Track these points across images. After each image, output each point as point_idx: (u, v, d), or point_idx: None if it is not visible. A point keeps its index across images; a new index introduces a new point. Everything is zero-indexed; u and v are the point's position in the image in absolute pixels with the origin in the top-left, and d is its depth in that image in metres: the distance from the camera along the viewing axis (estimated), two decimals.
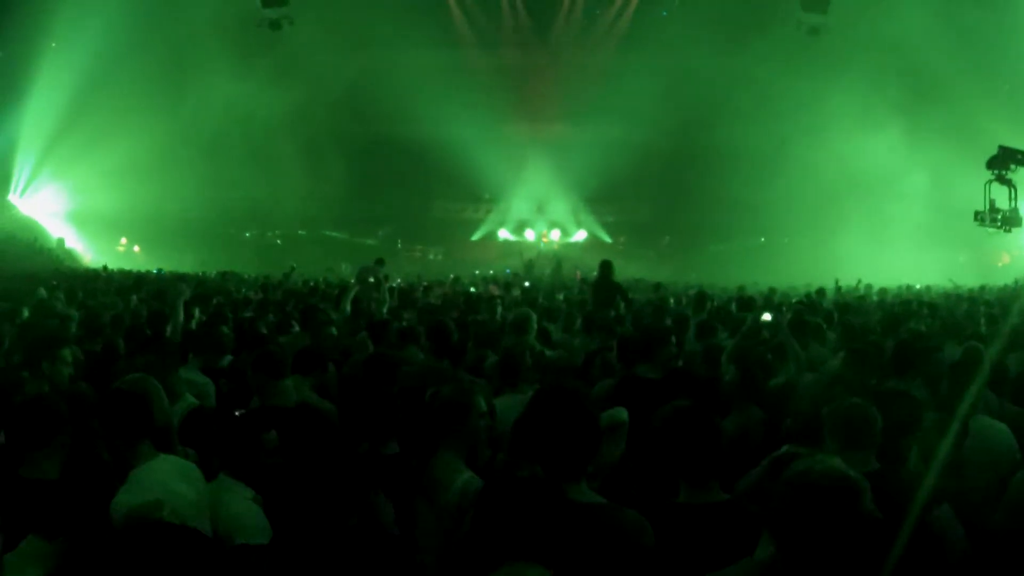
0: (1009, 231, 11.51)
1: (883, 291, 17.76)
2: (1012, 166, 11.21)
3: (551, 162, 34.21)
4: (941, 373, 5.68)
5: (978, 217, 11.49)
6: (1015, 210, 11.02)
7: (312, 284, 16.50)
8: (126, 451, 3.66)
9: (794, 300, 13.19)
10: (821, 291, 15.95)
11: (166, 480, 3.57)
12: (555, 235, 36.94)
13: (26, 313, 9.21)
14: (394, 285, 13.73)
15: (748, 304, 10.61)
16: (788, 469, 2.50)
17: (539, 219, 36.82)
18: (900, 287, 18.38)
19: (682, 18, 33.94)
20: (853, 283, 19.82)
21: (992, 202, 11.34)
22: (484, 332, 7.25)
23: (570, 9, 35.55)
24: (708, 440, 3.18)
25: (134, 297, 12.40)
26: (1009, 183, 11.15)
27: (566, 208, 36.32)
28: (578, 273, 22.11)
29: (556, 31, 36.14)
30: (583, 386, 3.27)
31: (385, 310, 9.55)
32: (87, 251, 33.30)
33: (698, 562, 2.88)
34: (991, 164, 11.43)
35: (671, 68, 36.12)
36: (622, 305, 11.22)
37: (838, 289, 17.67)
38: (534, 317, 7.57)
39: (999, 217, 11.45)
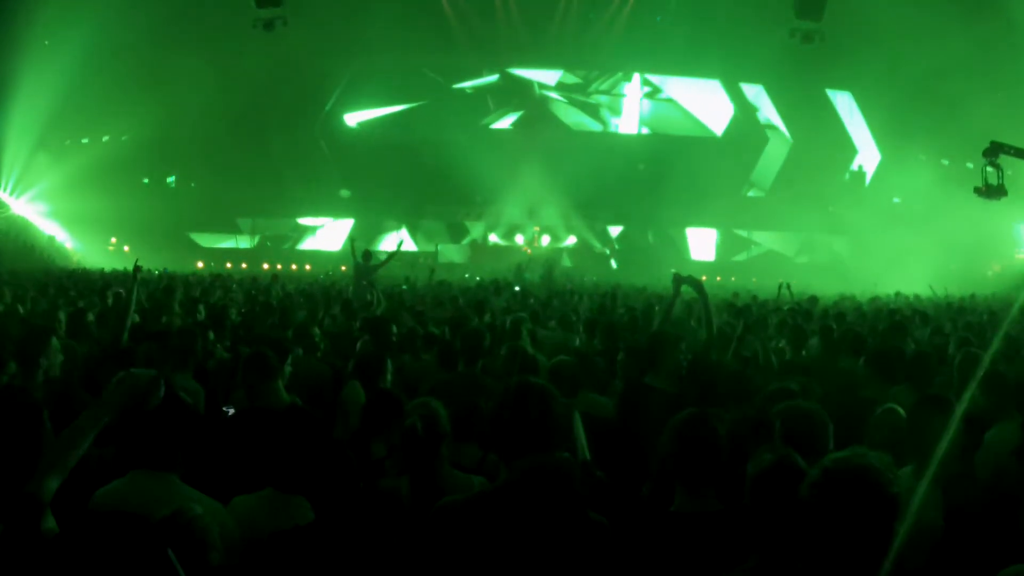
0: (998, 199, 14.35)
1: (874, 300, 17.88)
2: (1000, 155, 14.17)
3: (543, 167, 34.08)
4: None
5: (976, 191, 14.32)
6: (1001, 185, 14.07)
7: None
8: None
9: (786, 307, 13.24)
10: (813, 299, 16.06)
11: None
12: (545, 240, 36.80)
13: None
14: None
15: (742, 312, 10.70)
16: (822, 461, 2.43)
17: (530, 224, 36.66)
18: (890, 296, 18.46)
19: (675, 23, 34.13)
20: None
21: (986, 180, 14.22)
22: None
23: (565, 14, 35.49)
24: (707, 444, 3.13)
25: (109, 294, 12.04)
26: (998, 166, 14.15)
27: (556, 213, 36.18)
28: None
29: (551, 35, 36.07)
30: (550, 385, 3.14)
31: (380, 312, 9.60)
32: (77, 250, 33.12)
33: (690, 573, 2.84)
34: (986, 154, 14.24)
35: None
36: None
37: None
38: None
39: (990, 191, 14.27)
